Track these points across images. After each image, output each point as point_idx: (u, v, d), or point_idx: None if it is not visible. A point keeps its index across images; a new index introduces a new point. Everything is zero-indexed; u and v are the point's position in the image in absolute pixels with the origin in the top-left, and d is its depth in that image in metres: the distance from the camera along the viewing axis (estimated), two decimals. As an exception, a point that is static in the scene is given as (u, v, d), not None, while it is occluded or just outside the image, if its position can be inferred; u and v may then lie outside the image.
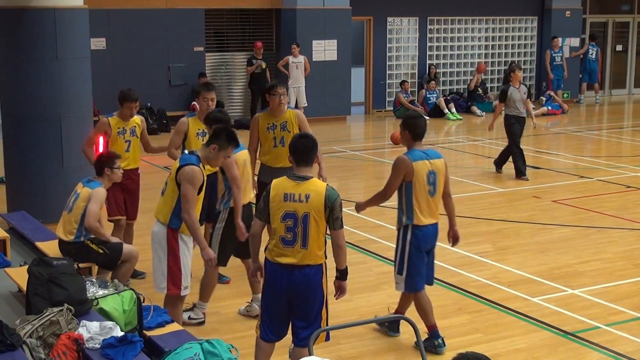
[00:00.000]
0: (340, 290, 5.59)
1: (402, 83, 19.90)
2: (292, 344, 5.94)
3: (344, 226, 5.43)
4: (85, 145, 8.28)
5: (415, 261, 6.34)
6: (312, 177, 5.37)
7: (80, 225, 7.07)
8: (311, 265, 5.33)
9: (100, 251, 7.11)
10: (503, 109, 12.79)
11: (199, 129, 7.64)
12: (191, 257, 6.36)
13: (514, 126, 12.54)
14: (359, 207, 6.73)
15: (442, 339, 6.41)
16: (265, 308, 5.54)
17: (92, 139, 8.29)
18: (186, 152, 6.34)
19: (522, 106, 12.45)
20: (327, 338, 5.65)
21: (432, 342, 6.38)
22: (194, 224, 6.06)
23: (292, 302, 5.42)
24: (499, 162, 13.10)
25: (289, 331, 5.65)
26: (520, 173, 12.63)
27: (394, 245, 6.54)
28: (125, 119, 8.11)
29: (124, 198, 8.10)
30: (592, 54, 22.13)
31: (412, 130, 6.32)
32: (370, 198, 6.65)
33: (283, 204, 5.28)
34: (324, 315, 5.53)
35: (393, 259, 6.50)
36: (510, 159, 12.84)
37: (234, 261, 8.46)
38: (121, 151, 7.92)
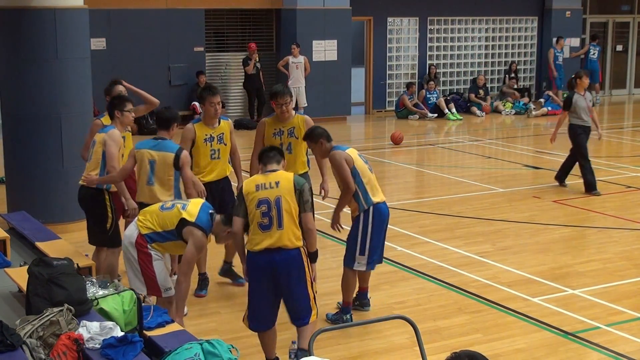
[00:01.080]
0: (313, 272, 5.87)
1: (409, 86, 19.90)
2: (292, 343, 5.98)
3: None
4: (83, 151, 8.10)
5: (375, 241, 6.80)
6: (279, 170, 5.83)
7: (102, 170, 7.20)
8: (289, 247, 5.64)
9: (109, 209, 7.27)
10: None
11: (206, 134, 7.44)
12: (164, 260, 6.34)
13: (581, 137, 11.50)
14: (334, 220, 6.99)
15: (351, 315, 6.94)
16: (251, 299, 5.83)
17: (88, 143, 8.02)
18: (209, 210, 6.23)
19: (588, 115, 11.46)
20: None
21: (341, 316, 6.91)
22: (186, 291, 6.27)
23: (276, 284, 5.70)
24: (562, 176, 11.95)
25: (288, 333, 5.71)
26: (590, 187, 11.50)
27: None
28: None
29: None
30: (593, 54, 22.16)
31: (325, 136, 6.83)
32: (337, 205, 6.92)
33: (256, 194, 5.67)
34: (312, 294, 5.81)
35: (350, 242, 6.84)
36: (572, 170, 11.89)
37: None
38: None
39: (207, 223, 6.14)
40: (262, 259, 5.64)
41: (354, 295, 7.11)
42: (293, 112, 7.65)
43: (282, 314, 6.95)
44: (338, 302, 7.15)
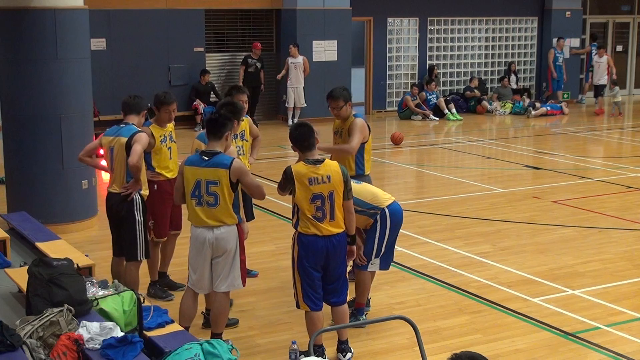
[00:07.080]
0: (350, 254, 6.21)
1: (412, 87, 19.91)
2: (292, 344, 5.99)
3: None
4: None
5: (393, 240, 6.83)
6: (324, 159, 6.03)
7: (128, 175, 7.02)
8: (340, 233, 6.02)
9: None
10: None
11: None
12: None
13: None
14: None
15: (365, 316, 7.00)
16: (306, 280, 6.00)
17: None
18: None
19: None
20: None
21: (357, 317, 6.91)
22: None
23: (328, 264, 6.00)
24: None
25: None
26: None
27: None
28: (163, 125, 7.53)
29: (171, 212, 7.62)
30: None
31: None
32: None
33: (309, 188, 5.89)
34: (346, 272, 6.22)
35: (366, 247, 6.78)
36: None
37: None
38: (165, 160, 7.46)
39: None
40: (319, 240, 5.93)
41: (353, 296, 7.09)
42: (345, 114, 7.42)
43: (278, 314, 6.97)
44: None
